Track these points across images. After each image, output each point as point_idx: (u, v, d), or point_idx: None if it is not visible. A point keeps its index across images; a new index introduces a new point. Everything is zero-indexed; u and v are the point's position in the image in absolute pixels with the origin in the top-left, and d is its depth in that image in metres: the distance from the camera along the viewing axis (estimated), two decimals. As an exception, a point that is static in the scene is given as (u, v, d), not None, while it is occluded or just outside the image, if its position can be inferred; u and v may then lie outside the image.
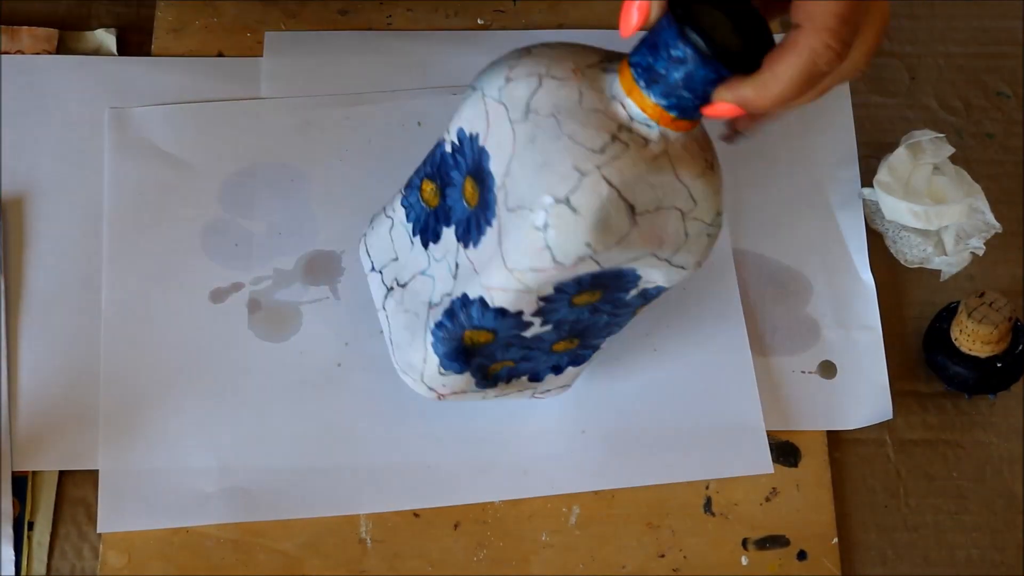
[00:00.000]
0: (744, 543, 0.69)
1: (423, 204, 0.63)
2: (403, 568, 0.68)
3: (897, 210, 0.73)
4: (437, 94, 0.77)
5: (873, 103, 0.80)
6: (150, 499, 0.67)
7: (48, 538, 0.67)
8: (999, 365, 0.70)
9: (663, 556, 0.69)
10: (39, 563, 0.67)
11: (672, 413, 0.71)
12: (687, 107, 0.55)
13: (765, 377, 0.72)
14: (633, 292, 0.61)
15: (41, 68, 0.76)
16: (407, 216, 0.64)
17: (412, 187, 0.64)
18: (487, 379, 0.64)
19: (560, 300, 0.59)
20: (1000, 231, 0.74)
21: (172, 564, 0.67)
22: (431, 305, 0.62)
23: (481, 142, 0.58)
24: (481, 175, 0.58)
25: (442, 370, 0.63)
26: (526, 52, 0.58)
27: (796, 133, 0.78)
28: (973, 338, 0.69)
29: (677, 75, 0.54)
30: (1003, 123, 0.80)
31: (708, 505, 0.70)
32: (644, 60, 0.55)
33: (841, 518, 0.70)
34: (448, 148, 0.61)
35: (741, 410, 0.71)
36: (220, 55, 0.77)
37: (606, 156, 0.55)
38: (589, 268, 0.57)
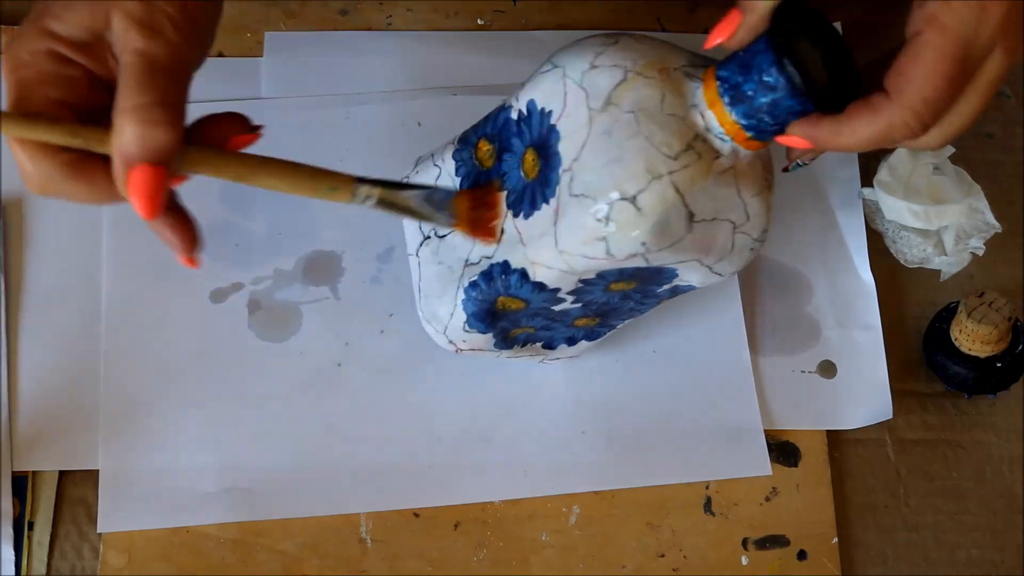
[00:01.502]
0: (744, 543, 0.69)
1: (476, 162, 0.63)
2: (403, 568, 0.68)
3: (897, 210, 0.73)
4: (437, 94, 0.77)
5: (873, 103, 0.80)
6: (150, 499, 0.67)
7: (48, 538, 0.67)
8: (999, 365, 0.70)
9: (663, 556, 0.69)
10: (39, 563, 0.67)
11: (672, 413, 0.71)
12: (765, 130, 0.56)
13: (765, 377, 0.72)
14: (666, 287, 0.62)
15: (41, 68, 0.76)
16: (456, 169, 0.64)
17: (467, 143, 0.64)
18: (506, 341, 0.65)
19: (598, 284, 0.60)
20: (1000, 231, 0.74)
21: (172, 564, 0.67)
22: (467, 263, 0.62)
23: (553, 120, 0.58)
24: (547, 151, 0.58)
25: (467, 327, 0.63)
26: (613, 41, 0.58)
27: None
28: (973, 338, 0.69)
29: (763, 100, 0.54)
30: (1003, 123, 0.80)
31: (708, 505, 0.70)
32: (733, 78, 0.55)
33: (841, 518, 0.70)
34: (514, 115, 0.61)
35: (740, 411, 0.71)
36: (220, 55, 0.77)
37: (679, 163, 0.55)
38: (637, 263, 0.58)
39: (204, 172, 0.54)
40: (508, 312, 0.62)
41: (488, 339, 0.64)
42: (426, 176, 0.65)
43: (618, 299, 0.63)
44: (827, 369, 0.73)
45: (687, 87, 0.56)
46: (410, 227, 0.66)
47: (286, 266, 0.72)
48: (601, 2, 0.80)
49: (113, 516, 0.67)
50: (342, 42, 0.78)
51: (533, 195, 0.59)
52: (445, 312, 0.63)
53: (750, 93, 0.55)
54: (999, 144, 0.79)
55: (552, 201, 0.57)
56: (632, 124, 0.55)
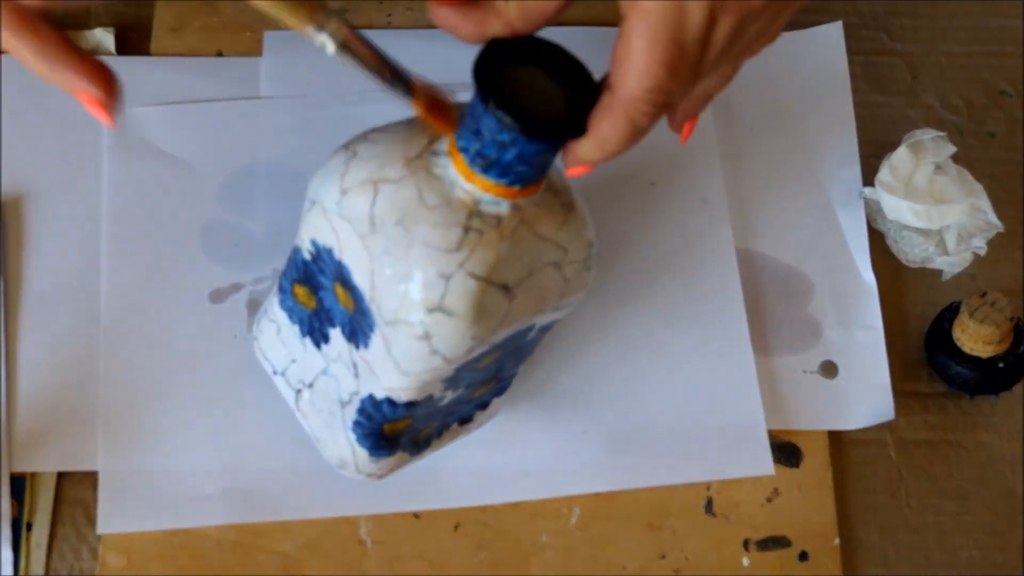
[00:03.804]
0: (745, 544, 0.69)
1: (302, 307, 0.62)
2: (403, 569, 0.68)
3: (899, 209, 0.73)
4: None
5: (875, 102, 0.79)
6: (149, 500, 0.67)
7: (46, 539, 0.67)
8: (1001, 365, 0.70)
9: (664, 557, 0.69)
10: (37, 564, 0.66)
11: (673, 414, 0.71)
12: (529, 177, 0.53)
13: (766, 377, 0.72)
14: (531, 335, 0.60)
15: (40, 68, 0.76)
16: (290, 318, 0.63)
17: (284, 291, 0.62)
18: (418, 445, 0.64)
19: (464, 371, 0.58)
20: (1002, 230, 0.74)
21: (172, 565, 0.67)
22: (343, 403, 0.61)
23: (337, 256, 0.56)
24: (348, 285, 0.56)
25: (373, 458, 0.62)
26: (352, 155, 0.55)
27: (797, 133, 0.77)
28: (975, 338, 0.69)
29: (509, 156, 0.51)
30: (1005, 122, 0.80)
31: (709, 506, 0.70)
32: (471, 146, 0.52)
33: (842, 519, 0.70)
34: (307, 256, 0.59)
35: (742, 411, 0.71)
36: (219, 54, 0.77)
37: (464, 252, 0.52)
38: (482, 350, 0.56)
39: None
40: (400, 430, 0.61)
41: (402, 456, 0.63)
42: (268, 333, 0.64)
43: (494, 366, 0.61)
44: (828, 369, 0.73)
45: (437, 167, 0.53)
46: (280, 384, 0.65)
47: (286, 266, 0.72)
48: (601, 1, 0.80)
49: (112, 517, 0.67)
50: (342, 41, 0.78)
51: (360, 325, 0.57)
52: (347, 454, 0.62)
53: (494, 155, 0.51)
54: (1001, 143, 0.79)
55: (376, 330, 0.55)
56: (404, 235, 0.53)
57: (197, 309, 0.71)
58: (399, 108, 0.78)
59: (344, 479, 0.68)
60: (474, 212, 0.53)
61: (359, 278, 0.55)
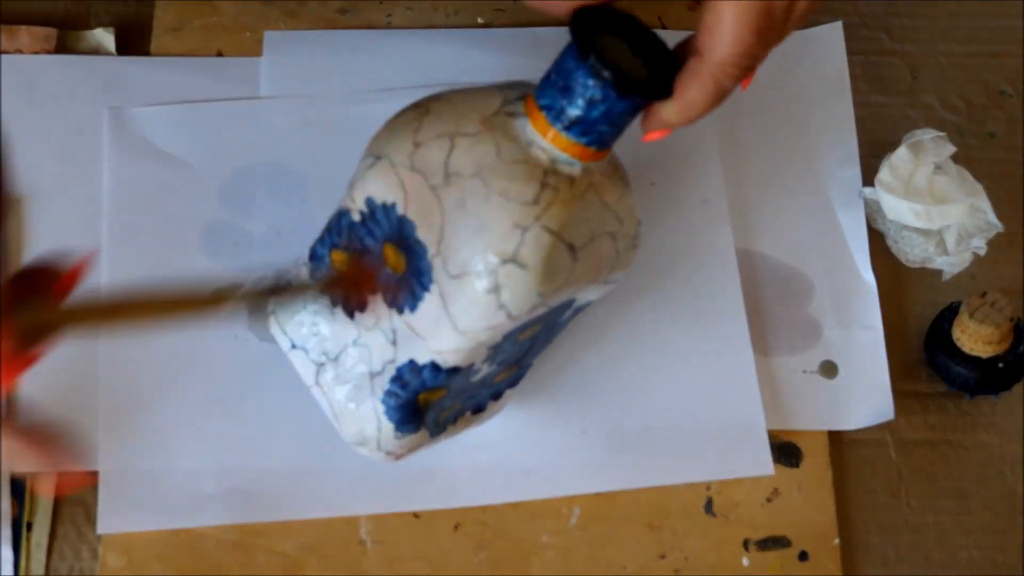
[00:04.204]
0: (745, 544, 0.69)
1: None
2: (403, 569, 0.68)
3: (899, 209, 0.73)
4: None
5: (874, 102, 0.79)
6: (150, 500, 0.67)
7: (46, 539, 0.67)
8: (1001, 365, 0.70)
9: (664, 557, 0.69)
10: (37, 564, 0.66)
11: (673, 414, 0.71)
12: (607, 139, 0.55)
13: (766, 377, 0.72)
14: (567, 314, 0.62)
15: (40, 68, 0.76)
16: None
17: (319, 259, 0.62)
18: (438, 427, 0.64)
19: (506, 342, 0.59)
20: (1002, 231, 0.74)
21: (172, 565, 0.67)
22: (372, 375, 0.61)
23: (400, 211, 0.57)
24: (406, 243, 0.57)
25: (398, 434, 0.62)
26: (424, 111, 0.57)
27: (797, 133, 0.77)
28: (975, 338, 0.69)
29: (596, 114, 0.54)
30: (1005, 122, 0.80)
31: (709, 506, 0.70)
32: (557, 104, 0.54)
33: (842, 519, 0.70)
34: (356, 217, 0.59)
35: (742, 411, 0.71)
36: (219, 54, 0.77)
37: (541, 206, 0.55)
38: (540, 312, 0.57)
39: (52, 339, 0.50)
40: (432, 403, 0.61)
41: (423, 435, 0.63)
42: (290, 306, 0.64)
43: (528, 344, 0.62)
44: (828, 369, 0.73)
45: (514, 127, 0.56)
46: (298, 358, 0.64)
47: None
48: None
49: (112, 517, 0.67)
50: (342, 41, 0.78)
51: (410, 287, 0.57)
52: (371, 429, 0.62)
53: (580, 113, 0.54)
54: (1001, 143, 0.79)
55: (433, 288, 0.56)
56: (481, 186, 0.55)
57: (197, 309, 0.71)
58: (399, 108, 0.78)
59: (344, 479, 0.68)
60: (549, 170, 0.55)
61: (424, 232, 0.56)
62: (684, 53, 0.55)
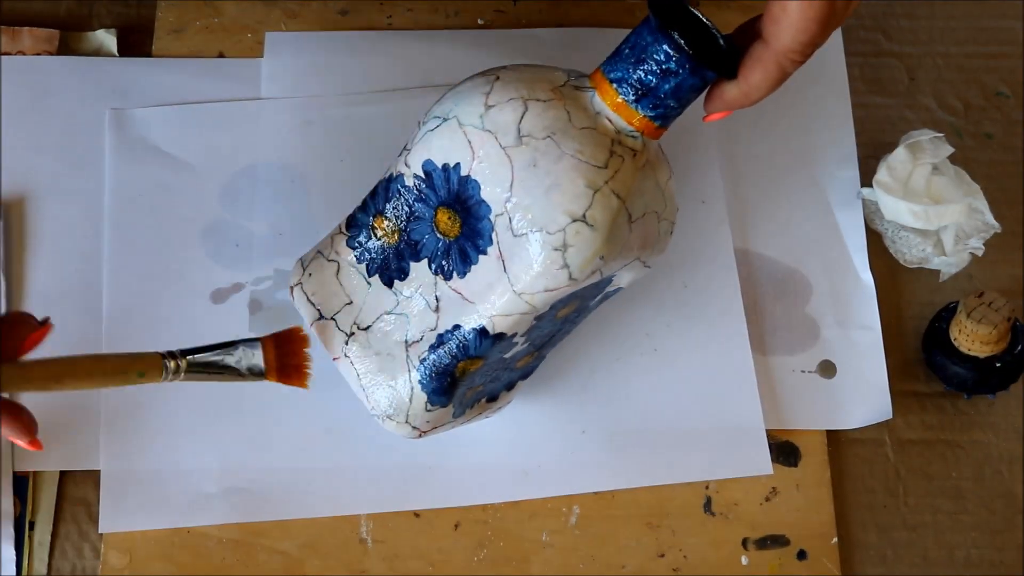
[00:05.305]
0: (744, 543, 0.69)
1: (379, 243, 0.62)
2: (403, 568, 0.68)
3: (896, 210, 0.73)
4: (437, 94, 0.77)
5: (872, 103, 0.80)
6: (151, 499, 0.67)
7: (49, 538, 0.67)
8: (998, 365, 0.70)
9: (663, 556, 0.69)
10: (40, 563, 0.67)
11: (672, 413, 0.71)
12: (671, 115, 0.58)
13: (764, 377, 0.72)
14: (598, 297, 0.63)
15: (42, 69, 0.76)
16: (358, 258, 0.63)
17: (359, 226, 0.63)
18: (461, 406, 0.64)
19: (549, 316, 0.60)
20: (999, 231, 0.74)
21: (173, 564, 0.67)
22: (409, 343, 0.61)
23: (465, 171, 0.58)
24: (466, 204, 0.58)
25: (429, 406, 0.62)
26: (494, 77, 0.59)
27: (796, 133, 0.78)
28: (972, 338, 0.69)
29: (667, 86, 0.56)
30: (1002, 123, 0.80)
31: (708, 505, 0.70)
32: (630, 75, 0.57)
33: (841, 518, 0.70)
34: (409, 181, 0.60)
35: (741, 410, 0.71)
36: (220, 55, 0.77)
37: (610, 170, 0.57)
38: (594, 279, 0.58)
39: (9, 389, 0.54)
40: (466, 376, 0.61)
41: (448, 411, 0.63)
42: (322, 275, 0.63)
43: (559, 324, 0.63)
44: (827, 369, 0.73)
45: (583, 98, 0.58)
46: (327, 330, 0.63)
47: (287, 266, 0.72)
48: (601, 2, 0.80)
49: (114, 516, 0.67)
50: (342, 42, 0.78)
51: (463, 251, 0.58)
52: (403, 398, 0.62)
53: (653, 84, 0.56)
54: (998, 144, 0.79)
55: (490, 250, 0.58)
56: (554, 148, 0.56)
57: (198, 309, 0.71)
58: (400, 108, 0.79)
59: (344, 478, 0.68)
60: (616, 140, 0.57)
61: (490, 191, 0.57)
62: (744, 40, 0.57)
